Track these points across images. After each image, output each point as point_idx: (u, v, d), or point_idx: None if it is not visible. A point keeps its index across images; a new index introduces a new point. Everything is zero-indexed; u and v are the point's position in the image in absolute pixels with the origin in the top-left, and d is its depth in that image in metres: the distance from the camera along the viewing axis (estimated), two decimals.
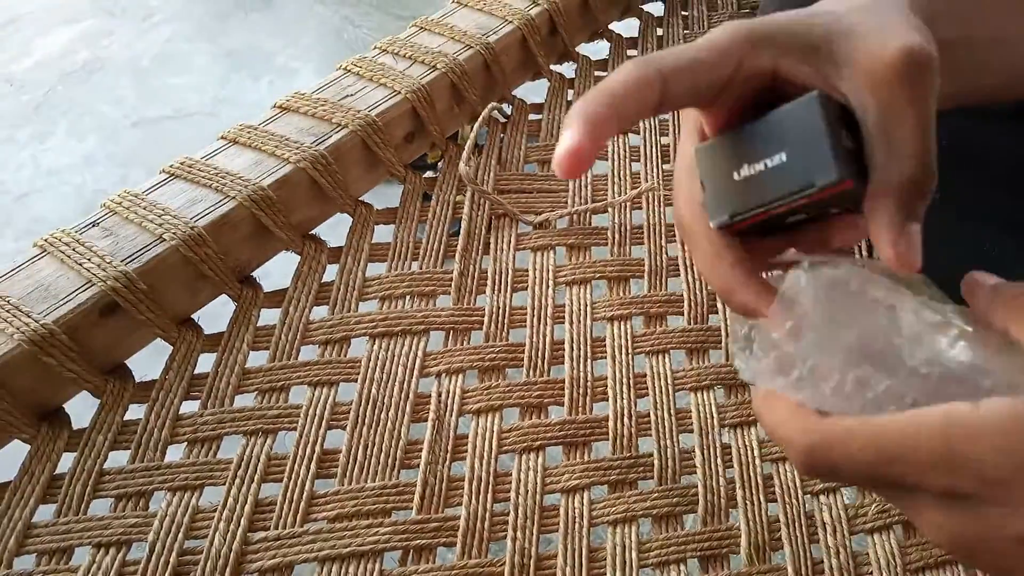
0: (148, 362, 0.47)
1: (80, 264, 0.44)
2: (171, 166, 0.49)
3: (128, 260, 0.44)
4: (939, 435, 0.22)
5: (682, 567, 0.42)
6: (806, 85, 0.26)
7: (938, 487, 0.22)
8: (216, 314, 0.49)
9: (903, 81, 0.24)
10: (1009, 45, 0.32)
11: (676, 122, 0.63)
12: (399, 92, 0.54)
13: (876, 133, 0.25)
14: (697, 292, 0.53)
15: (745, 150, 0.26)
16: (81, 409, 0.44)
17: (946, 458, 0.21)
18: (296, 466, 0.43)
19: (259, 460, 0.43)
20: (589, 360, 0.49)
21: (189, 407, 0.45)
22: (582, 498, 0.44)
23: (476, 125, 0.57)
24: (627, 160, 0.60)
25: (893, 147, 0.25)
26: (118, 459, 0.43)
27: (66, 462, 0.42)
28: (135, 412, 0.44)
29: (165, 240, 0.45)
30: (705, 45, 0.25)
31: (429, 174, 0.58)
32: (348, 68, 0.56)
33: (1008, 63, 0.32)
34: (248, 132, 0.51)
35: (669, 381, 0.49)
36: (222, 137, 0.51)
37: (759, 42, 0.25)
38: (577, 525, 0.43)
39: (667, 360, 0.50)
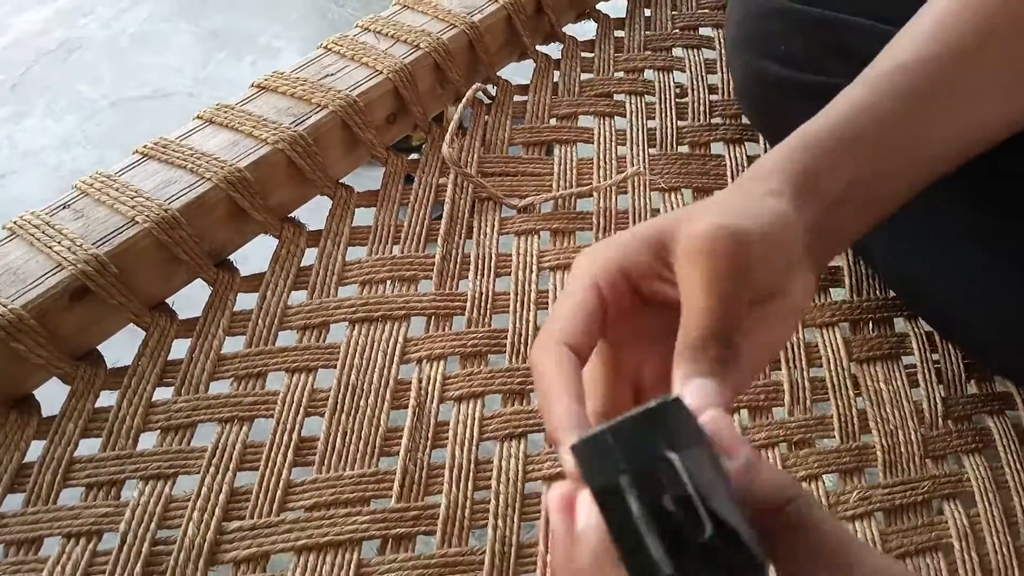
0: (121, 348, 0.46)
1: (50, 247, 0.42)
2: (145, 146, 0.48)
3: (99, 243, 0.43)
4: None
5: None
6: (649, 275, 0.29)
7: None
8: (191, 299, 0.48)
9: (703, 253, 0.27)
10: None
11: (663, 106, 0.62)
12: (381, 72, 0.53)
13: (682, 294, 0.28)
14: None
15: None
16: (51, 396, 0.43)
17: None
18: (273, 454, 0.42)
19: (235, 448, 0.42)
20: None
21: (163, 394, 0.44)
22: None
23: (460, 106, 0.56)
24: (613, 144, 0.59)
25: (690, 304, 0.27)
26: (89, 447, 0.41)
27: (35, 450, 0.41)
28: (107, 399, 0.43)
29: (138, 222, 0.44)
30: (572, 297, 0.29)
31: (414, 156, 0.56)
32: (329, 47, 0.55)
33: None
34: (225, 112, 0.50)
35: None
36: (198, 117, 0.50)
37: (609, 268, 0.29)
38: None
39: None
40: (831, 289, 0.53)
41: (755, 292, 0.28)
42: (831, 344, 0.50)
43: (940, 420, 0.47)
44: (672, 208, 0.57)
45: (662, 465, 0.20)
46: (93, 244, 0.43)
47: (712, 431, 0.22)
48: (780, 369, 0.48)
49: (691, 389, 0.25)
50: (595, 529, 0.22)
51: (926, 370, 0.49)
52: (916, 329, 0.51)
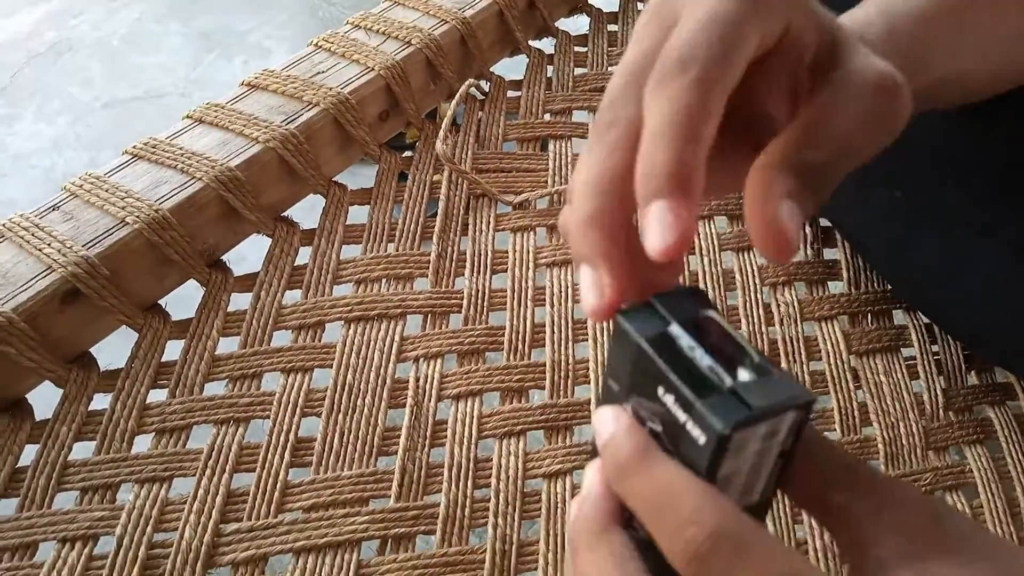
0: (114, 350, 0.46)
1: (40, 249, 0.42)
2: (134, 147, 0.47)
3: (90, 245, 0.42)
4: None
5: None
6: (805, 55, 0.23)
7: None
8: (186, 300, 0.48)
9: (878, 92, 0.23)
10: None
11: None
12: (372, 69, 0.53)
13: (819, 110, 0.23)
14: None
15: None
16: (44, 400, 0.43)
17: None
18: (270, 455, 0.42)
19: (231, 450, 0.41)
20: (570, 343, 0.48)
21: (157, 396, 0.43)
22: (564, 482, 0.43)
23: (453, 103, 0.56)
24: None
25: (828, 133, 0.22)
26: (83, 451, 0.41)
27: (29, 454, 0.40)
28: (100, 402, 0.42)
29: (128, 223, 0.43)
30: (717, 19, 0.21)
31: (408, 154, 0.56)
32: (320, 44, 0.55)
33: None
34: (215, 111, 0.49)
35: None
36: (188, 116, 0.49)
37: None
38: (560, 510, 0.42)
39: None
40: (829, 282, 0.53)
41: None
42: (830, 337, 0.49)
43: (941, 412, 0.47)
44: None
45: (706, 319, 0.22)
46: (83, 246, 0.42)
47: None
48: (780, 364, 0.48)
49: (785, 209, 0.21)
50: (626, 431, 0.21)
51: (926, 362, 0.49)
52: (915, 321, 0.51)
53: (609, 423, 0.22)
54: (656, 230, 0.20)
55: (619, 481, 0.21)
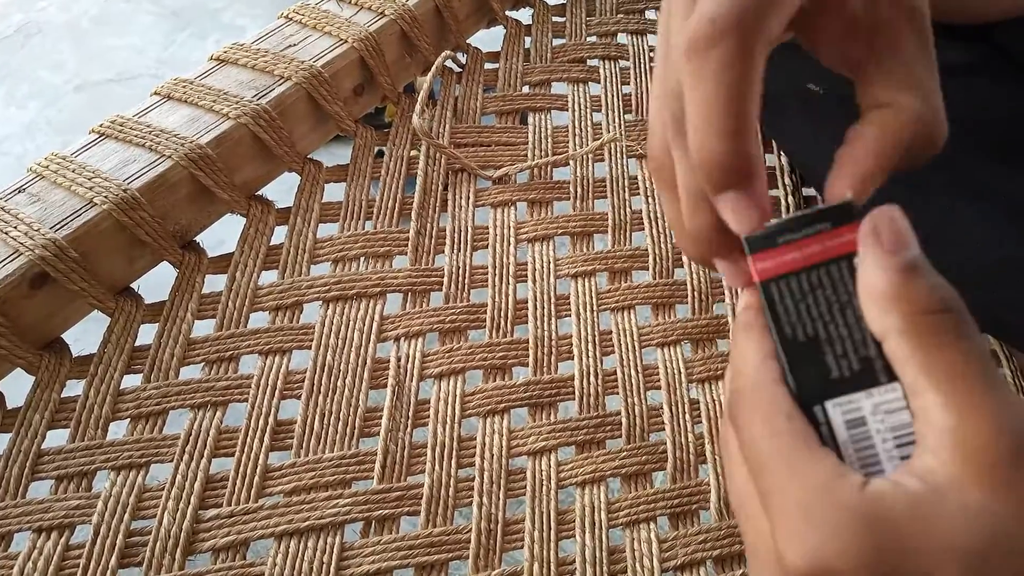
0: (87, 336, 0.45)
1: (6, 233, 0.41)
2: (101, 125, 0.46)
3: (57, 227, 0.41)
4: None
5: (652, 525, 0.41)
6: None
7: None
8: (161, 283, 0.47)
9: (918, 137, 0.22)
10: None
11: (638, 70, 0.61)
12: (345, 41, 0.51)
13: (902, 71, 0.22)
14: (662, 246, 0.51)
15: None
16: (15, 387, 0.41)
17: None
18: (248, 439, 0.41)
19: (208, 434, 0.41)
20: (553, 318, 0.47)
21: (131, 381, 0.42)
22: (549, 460, 0.43)
23: (429, 76, 0.54)
24: (588, 110, 0.58)
25: (918, 86, 0.22)
26: (57, 438, 0.40)
27: (0, 443, 0.39)
28: (73, 388, 0.41)
29: (97, 204, 0.42)
30: None
31: (386, 132, 0.55)
32: (290, 16, 0.53)
33: None
34: (183, 87, 0.48)
35: (635, 337, 0.47)
36: (156, 93, 0.48)
37: None
38: (545, 487, 0.42)
39: (633, 316, 0.48)
40: None
41: None
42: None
43: None
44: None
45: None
46: (51, 228, 0.41)
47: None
48: None
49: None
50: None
51: None
52: None
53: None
54: (732, 218, 0.21)
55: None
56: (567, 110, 0.58)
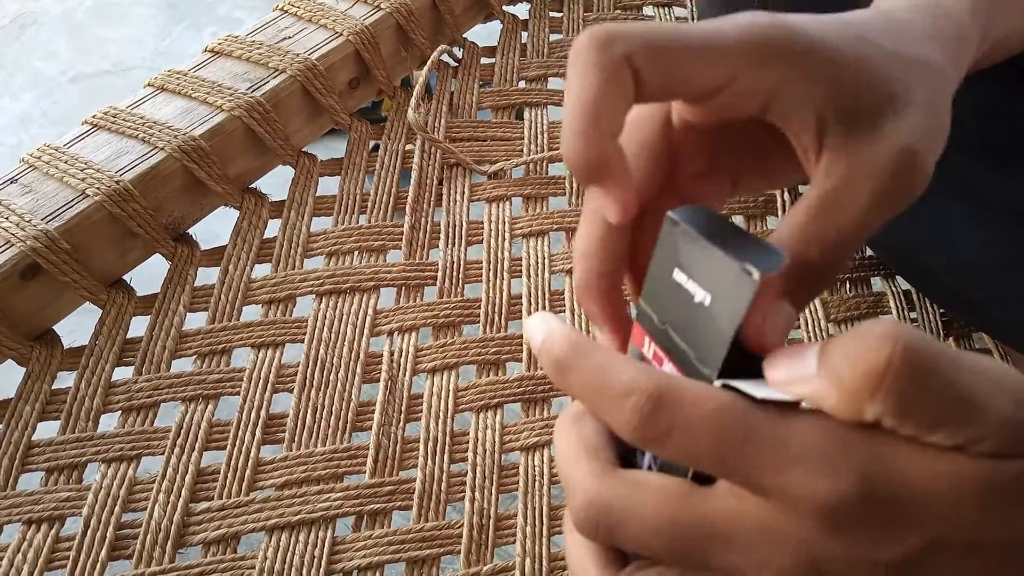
0: (79, 327, 0.44)
1: None
2: (94, 116, 0.46)
3: (49, 218, 0.41)
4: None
5: None
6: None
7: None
8: (153, 275, 0.46)
9: (891, 175, 0.22)
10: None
11: None
12: (341, 34, 0.51)
13: (825, 207, 0.22)
14: None
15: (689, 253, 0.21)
16: (6, 378, 0.41)
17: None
18: (240, 432, 0.41)
19: (200, 427, 0.40)
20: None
21: (123, 373, 0.42)
22: (542, 455, 0.42)
23: (425, 69, 0.54)
24: None
25: (840, 215, 0.22)
26: (48, 430, 0.40)
27: None
28: (64, 380, 0.41)
29: (89, 196, 0.42)
30: (710, 31, 0.20)
31: (381, 125, 0.55)
32: (286, 8, 0.53)
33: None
34: (177, 78, 0.47)
35: None
36: (149, 84, 0.48)
37: (791, 56, 0.21)
38: (537, 483, 0.42)
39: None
40: None
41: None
42: (808, 305, 0.49)
43: None
44: None
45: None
46: (43, 219, 0.41)
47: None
48: None
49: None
50: (558, 330, 0.22)
51: None
52: (893, 288, 0.50)
53: (539, 329, 0.22)
54: (602, 209, 0.23)
55: (560, 378, 0.21)
56: (563, 105, 0.57)
